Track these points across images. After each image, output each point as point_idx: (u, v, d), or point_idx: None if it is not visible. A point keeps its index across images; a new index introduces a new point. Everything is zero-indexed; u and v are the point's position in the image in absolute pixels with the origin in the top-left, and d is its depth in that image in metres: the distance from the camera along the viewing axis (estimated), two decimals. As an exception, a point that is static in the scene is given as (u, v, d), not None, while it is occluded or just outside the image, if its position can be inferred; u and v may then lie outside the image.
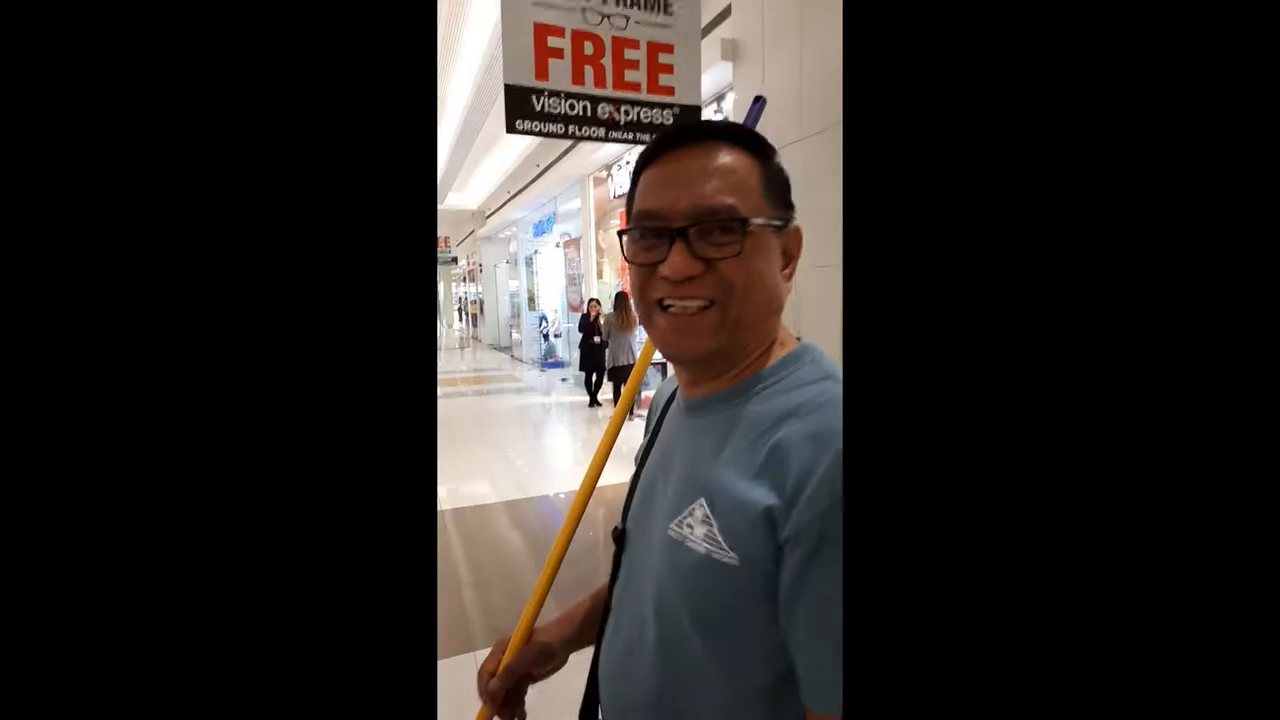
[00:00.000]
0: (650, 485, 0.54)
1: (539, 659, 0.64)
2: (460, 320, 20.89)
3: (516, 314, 12.26)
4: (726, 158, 0.47)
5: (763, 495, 0.42)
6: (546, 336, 10.31)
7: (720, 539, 0.44)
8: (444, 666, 2.02)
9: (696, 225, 0.46)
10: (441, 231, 14.41)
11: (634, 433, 0.77)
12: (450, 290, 22.26)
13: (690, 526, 0.46)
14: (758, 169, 0.48)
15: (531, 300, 11.02)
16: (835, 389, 0.45)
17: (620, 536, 0.57)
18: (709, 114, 4.18)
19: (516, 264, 12.10)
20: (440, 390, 8.43)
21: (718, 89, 4.39)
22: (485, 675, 0.63)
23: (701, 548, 0.45)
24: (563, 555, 0.69)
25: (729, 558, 0.43)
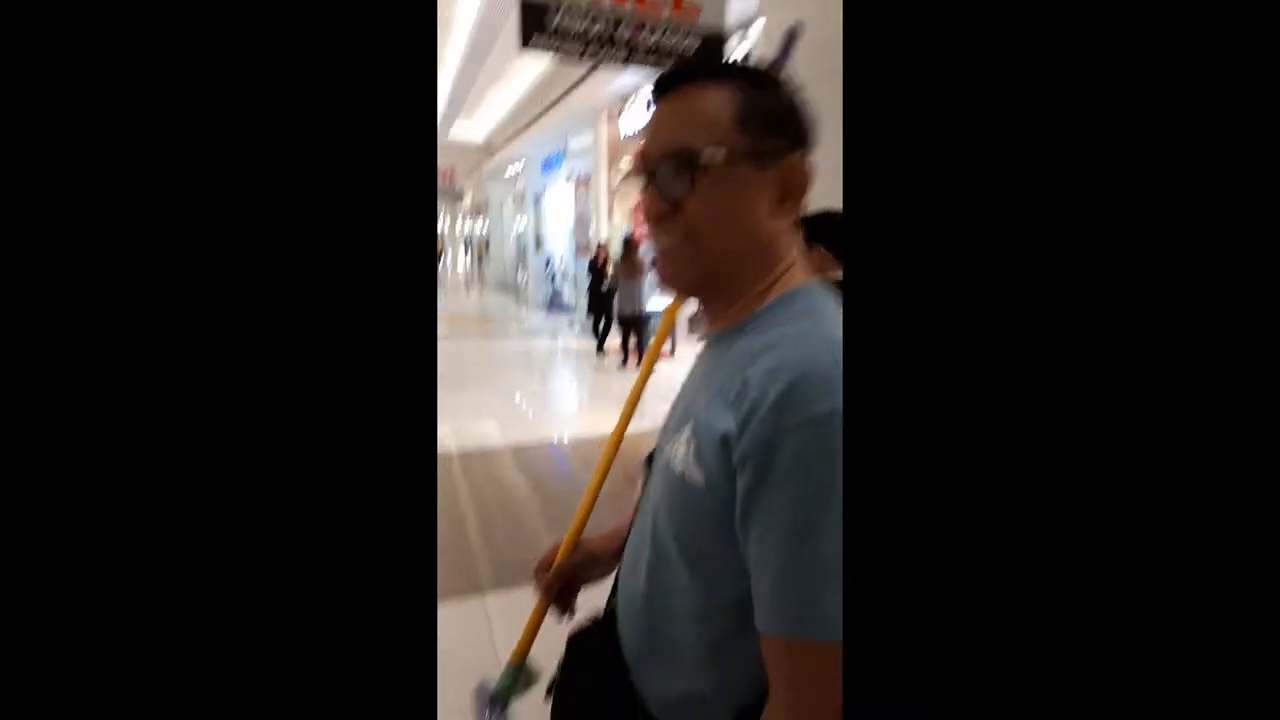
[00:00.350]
0: (670, 415, 0.59)
1: (586, 564, 0.71)
2: (466, 257, 20.70)
3: (523, 255, 12.10)
4: (699, 96, 0.50)
5: (726, 422, 0.45)
6: (553, 279, 10.20)
7: (693, 460, 0.47)
8: (453, 608, 2.05)
9: (659, 168, 0.49)
10: (447, 163, 14.09)
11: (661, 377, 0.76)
12: (456, 226, 21.98)
13: (677, 449, 0.50)
14: (735, 102, 0.49)
15: (538, 241, 10.85)
16: (809, 324, 0.47)
17: (648, 462, 0.61)
18: (735, 44, 3.94)
19: (523, 202, 11.85)
20: (445, 329, 8.41)
21: (745, 17, 4.13)
22: (540, 571, 0.71)
23: (679, 468, 0.49)
24: (603, 479, 0.75)
25: (698, 479, 0.47)
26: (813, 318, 0.48)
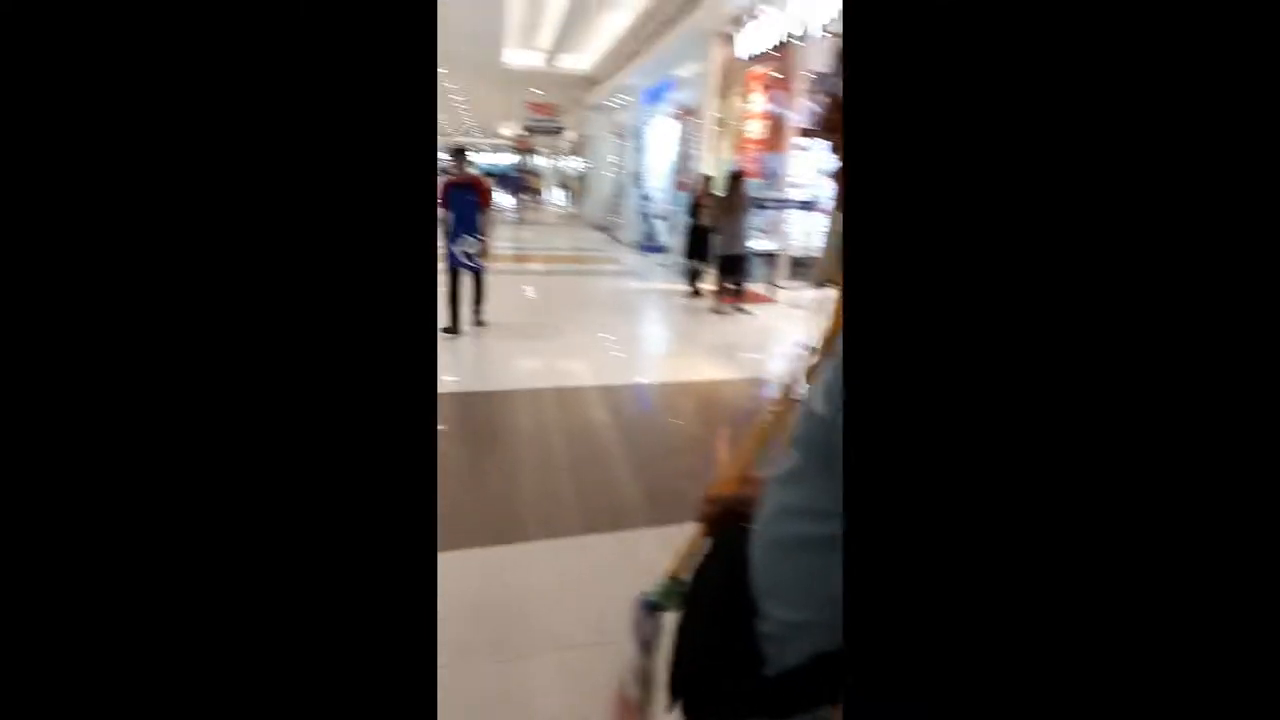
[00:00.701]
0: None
1: (743, 500, 0.71)
2: (564, 196, 20.78)
3: (620, 192, 11.89)
4: None
5: None
6: (649, 217, 9.96)
7: (822, 397, 0.48)
8: (543, 547, 2.02)
9: None
10: (549, 97, 13.95)
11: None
12: (554, 163, 22.02)
13: (817, 387, 0.51)
14: None
15: (636, 178, 10.57)
16: None
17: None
18: None
19: (624, 136, 11.55)
20: (538, 266, 8.48)
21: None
22: (706, 501, 0.75)
23: (813, 405, 0.50)
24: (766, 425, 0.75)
25: (826, 414, 0.47)
26: None
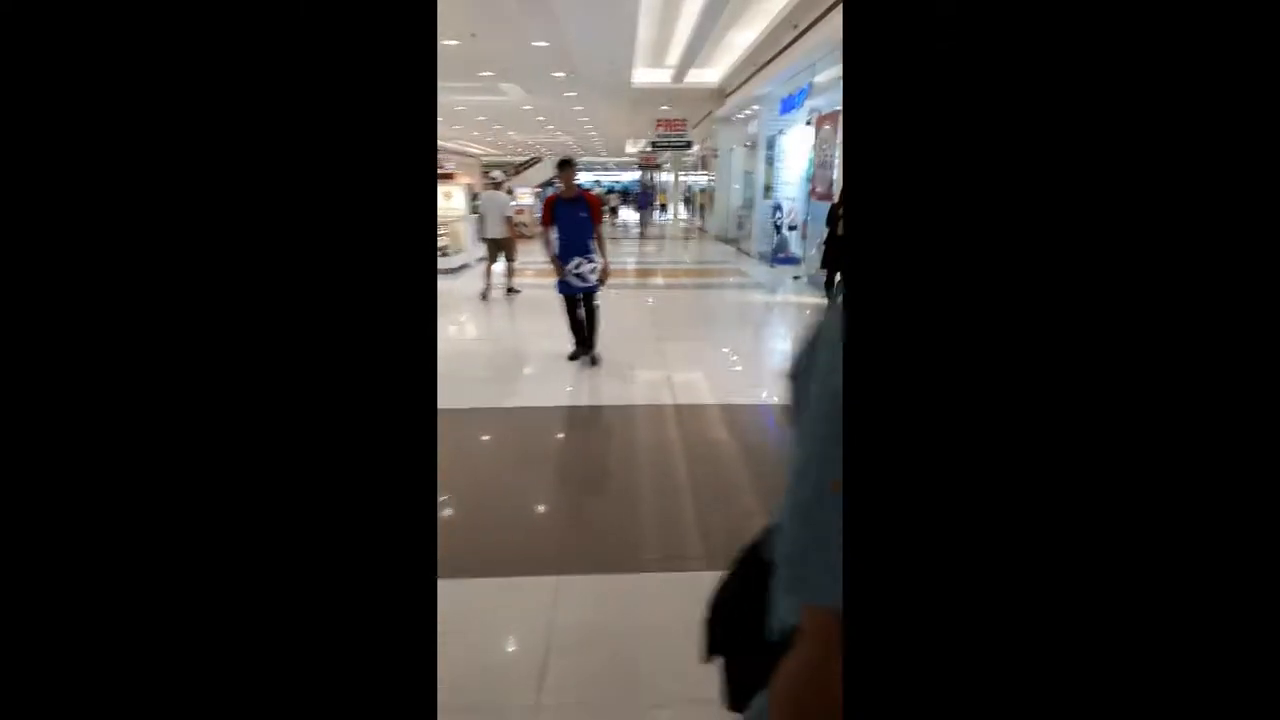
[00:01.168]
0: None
1: None
2: (687, 210, 20.91)
3: (749, 204, 11.70)
4: None
5: None
6: (779, 228, 9.69)
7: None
8: (666, 580, 1.95)
9: None
10: (677, 113, 14.13)
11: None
12: (678, 178, 22.28)
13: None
14: None
15: (768, 188, 10.35)
16: None
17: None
18: None
19: (755, 146, 11.38)
20: (660, 281, 8.52)
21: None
22: None
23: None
24: None
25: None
26: None
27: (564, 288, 4.14)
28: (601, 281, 4.17)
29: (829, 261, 6.09)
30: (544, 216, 4.11)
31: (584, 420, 3.39)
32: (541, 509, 2.42)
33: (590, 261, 4.09)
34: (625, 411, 3.42)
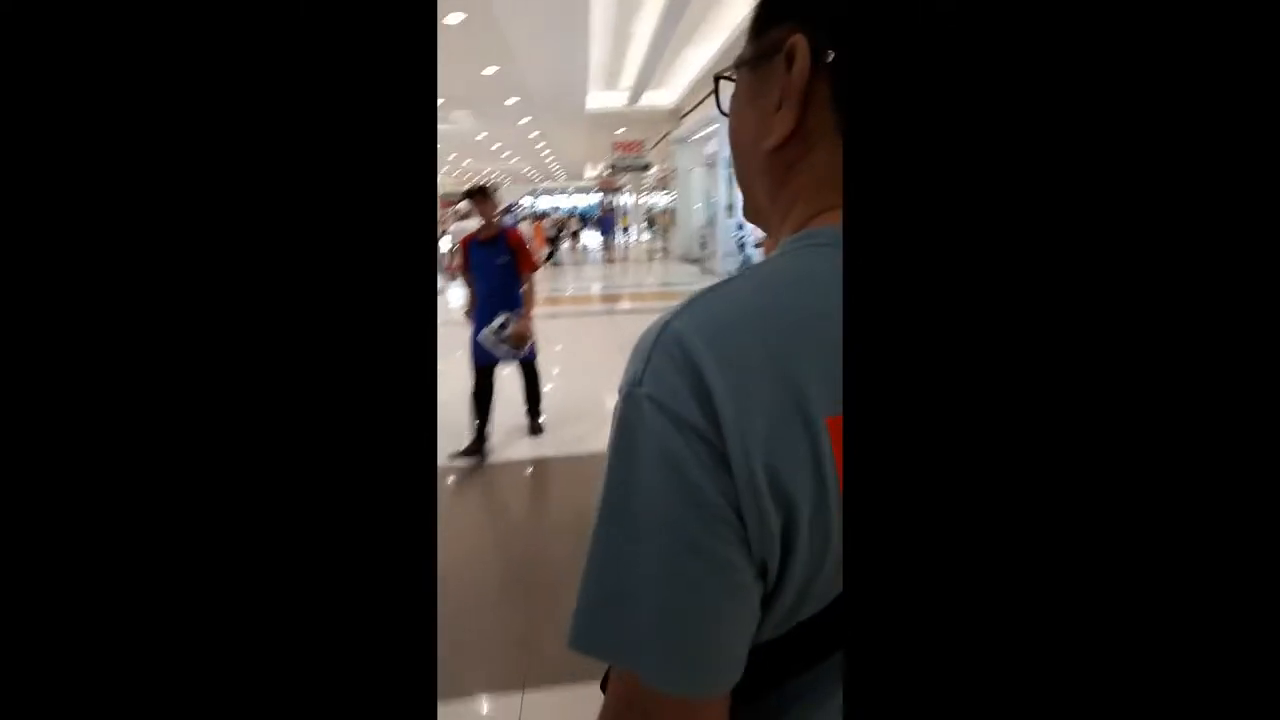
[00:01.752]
0: None
1: None
2: (650, 232, 20.98)
3: (711, 222, 11.73)
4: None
5: None
6: (743, 246, 9.71)
7: None
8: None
9: None
10: (635, 135, 14.21)
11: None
12: (639, 200, 22.38)
13: None
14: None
15: (731, 207, 10.39)
16: (725, 286, 0.38)
17: None
18: None
19: (715, 165, 11.43)
20: (625, 305, 8.40)
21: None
22: None
23: None
24: None
25: None
26: (743, 275, 0.39)
27: (478, 354, 3.15)
28: (516, 346, 3.15)
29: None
30: (460, 261, 3.29)
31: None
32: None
33: (516, 319, 3.13)
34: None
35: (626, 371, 0.36)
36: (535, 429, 3.56)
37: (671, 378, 0.34)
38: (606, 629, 0.35)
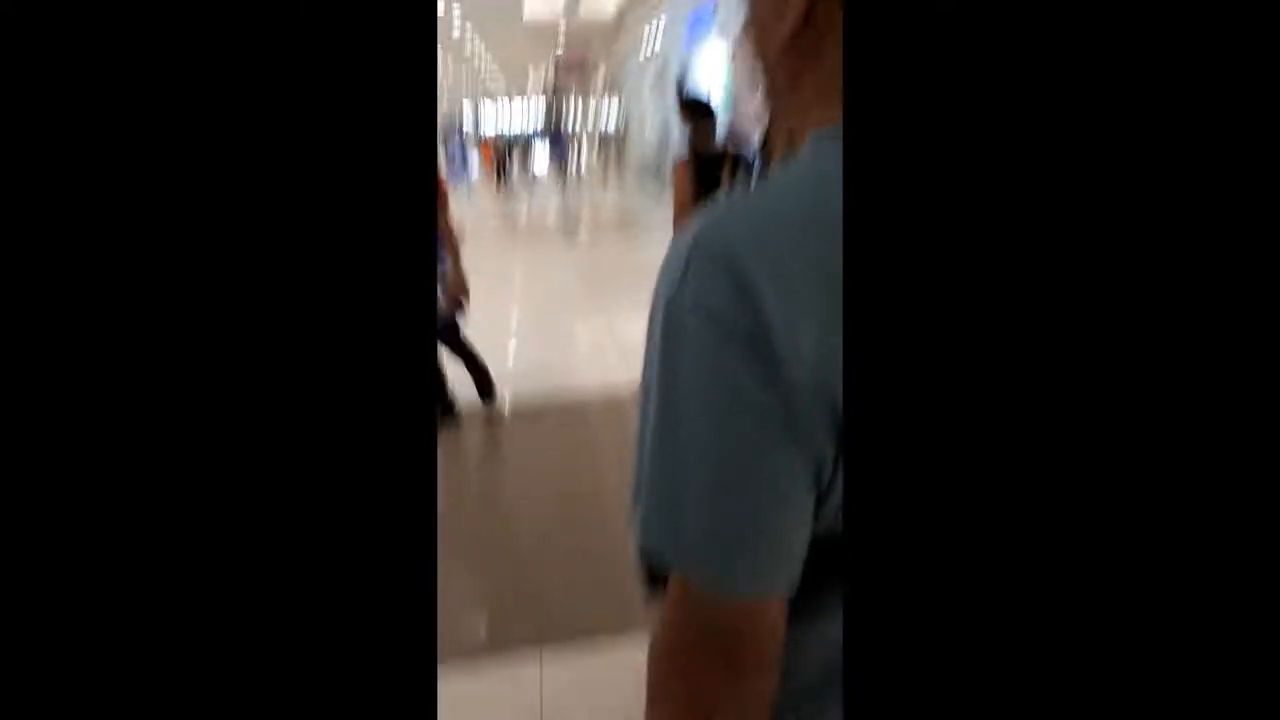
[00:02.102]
0: None
1: None
2: (599, 153, 20.10)
3: (666, 140, 11.22)
4: None
5: None
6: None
7: None
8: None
9: None
10: (575, 54, 13.30)
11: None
12: (587, 120, 21.32)
13: None
14: None
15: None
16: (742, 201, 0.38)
17: None
18: None
19: (665, 81, 10.80)
20: (581, 237, 8.05)
21: None
22: None
23: None
24: None
25: None
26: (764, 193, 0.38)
27: None
28: (458, 304, 2.63)
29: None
30: None
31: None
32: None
33: (441, 277, 2.54)
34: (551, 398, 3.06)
35: (661, 282, 0.36)
36: (488, 399, 3.05)
37: (714, 283, 0.34)
38: (665, 533, 0.36)
